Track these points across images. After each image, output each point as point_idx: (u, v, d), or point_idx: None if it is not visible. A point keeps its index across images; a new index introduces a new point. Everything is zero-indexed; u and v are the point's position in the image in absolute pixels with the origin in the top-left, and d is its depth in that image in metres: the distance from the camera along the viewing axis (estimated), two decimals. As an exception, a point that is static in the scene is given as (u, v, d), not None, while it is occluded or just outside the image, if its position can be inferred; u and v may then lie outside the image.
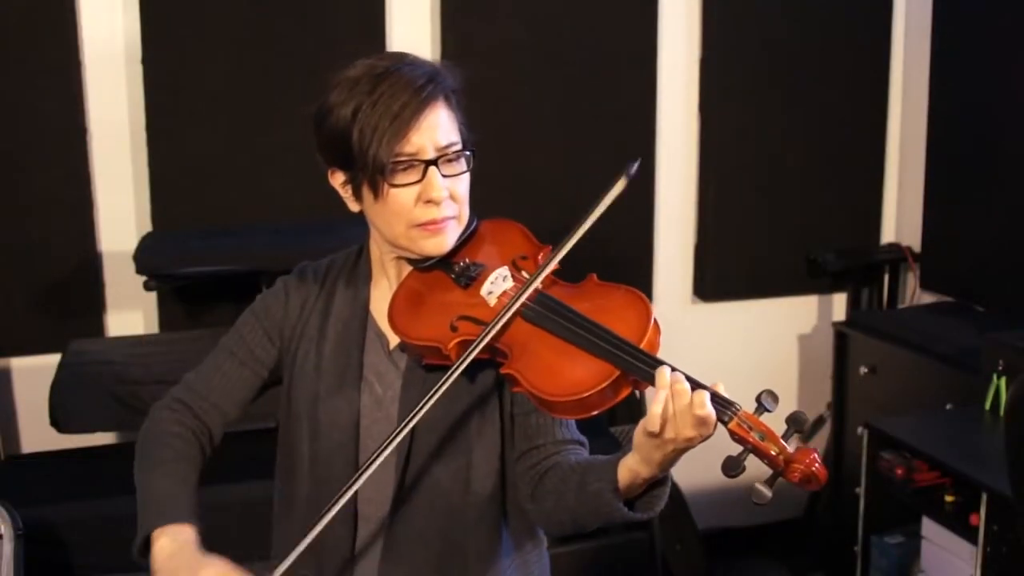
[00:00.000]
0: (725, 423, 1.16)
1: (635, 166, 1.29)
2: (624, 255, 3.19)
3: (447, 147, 1.32)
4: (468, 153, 1.35)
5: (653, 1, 3.17)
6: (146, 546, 1.32)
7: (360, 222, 1.44)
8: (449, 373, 1.26)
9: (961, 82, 3.16)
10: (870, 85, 3.40)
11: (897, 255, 3.39)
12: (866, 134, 3.43)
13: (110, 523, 2.35)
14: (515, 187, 3.05)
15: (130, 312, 2.94)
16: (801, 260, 3.40)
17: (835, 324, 3.22)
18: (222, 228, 2.81)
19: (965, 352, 2.75)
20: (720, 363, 3.27)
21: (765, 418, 1.16)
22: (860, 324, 3.16)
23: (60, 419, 2.33)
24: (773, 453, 1.15)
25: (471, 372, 1.33)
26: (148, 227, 2.89)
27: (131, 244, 2.75)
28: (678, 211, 3.35)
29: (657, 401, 1.15)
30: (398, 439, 1.26)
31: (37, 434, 2.76)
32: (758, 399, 1.17)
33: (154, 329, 2.95)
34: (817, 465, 1.15)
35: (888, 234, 3.50)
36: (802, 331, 3.52)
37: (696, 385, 1.17)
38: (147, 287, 2.54)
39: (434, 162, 1.31)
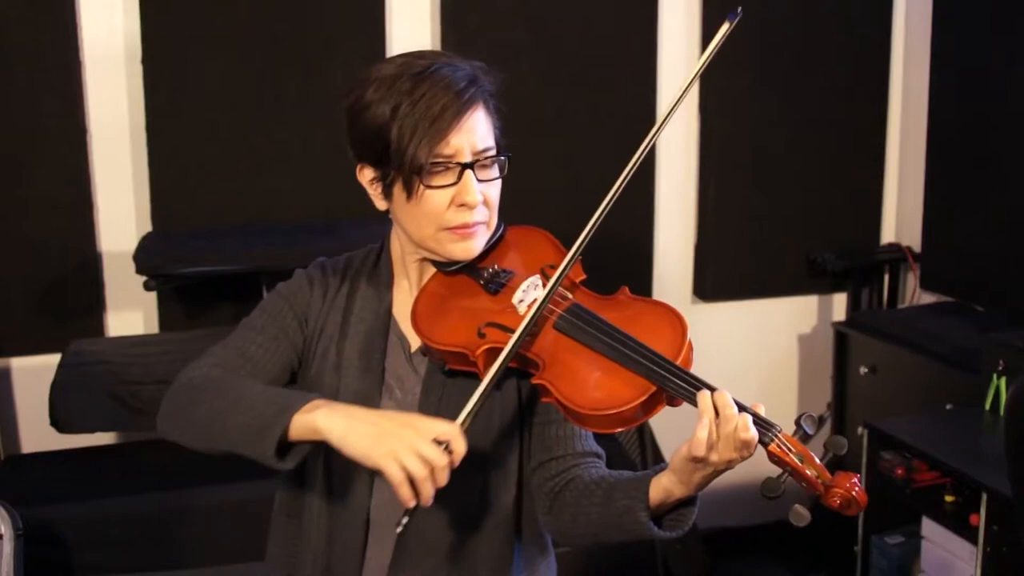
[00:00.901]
0: (765, 445, 1.16)
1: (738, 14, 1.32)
2: (624, 255, 3.18)
3: (484, 151, 1.31)
4: (503, 159, 1.35)
5: (653, 1, 3.17)
6: (281, 449, 1.22)
7: (362, 224, 1.42)
8: (488, 381, 1.23)
9: (961, 82, 3.15)
10: (870, 84, 3.40)
11: (897, 255, 3.38)
12: (866, 133, 3.42)
13: (110, 523, 2.36)
14: (513, 187, 3.04)
15: (130, 312, 2.93)
16: (801, 260, 3.39)
17: (835, 324, 3.22)
18: (221, 228, 2.80)
19: (965, 352, 2.75)
20: (720, 363, 3.28)
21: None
22: (860, 324, 3.16)
23: (60, 419, 2.33)
24: (812, 476, 1.14)
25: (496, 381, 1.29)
26: (148, 227, 2.88)
27: (131, 244, 2.75)
28: (678, 211, 3.34)
29: (702, 426, 1.14)
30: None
31: (37, 434, 2.75)
32: (797, 422, 1.17)
33: (154, 329, 2.94)
34: (858, 489, 1.14)
35: (888, 234, 3.50)
36: (802, 331, 3.52)
37: (738, 407, 1.16)
38: (147, 287, 2.53)
39: (470, 166, 1.30)
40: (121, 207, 2.88)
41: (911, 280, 3.39)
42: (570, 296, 1.32)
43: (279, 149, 2.91)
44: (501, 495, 1.38)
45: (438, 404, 1.34)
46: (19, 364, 2.87)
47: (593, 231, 1.28)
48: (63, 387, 2.33)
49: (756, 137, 3.32)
